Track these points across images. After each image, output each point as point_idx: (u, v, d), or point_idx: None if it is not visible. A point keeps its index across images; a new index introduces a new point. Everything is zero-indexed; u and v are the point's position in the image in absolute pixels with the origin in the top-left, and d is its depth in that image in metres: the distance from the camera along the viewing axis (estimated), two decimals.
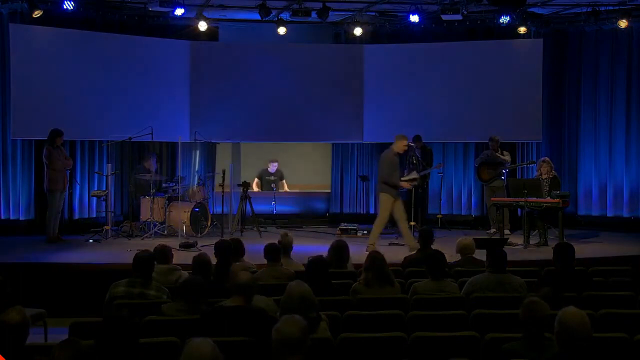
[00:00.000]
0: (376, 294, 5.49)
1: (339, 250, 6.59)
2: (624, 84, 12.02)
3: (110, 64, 11.35)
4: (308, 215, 12.84)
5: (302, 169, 14.06)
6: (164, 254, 6.22)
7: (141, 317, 4.58)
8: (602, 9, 11.42)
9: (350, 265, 6.79)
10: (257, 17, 11.38)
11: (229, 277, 5.23)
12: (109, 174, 10.89)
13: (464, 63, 12.15)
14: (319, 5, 11.20)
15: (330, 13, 11.42)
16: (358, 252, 8.03)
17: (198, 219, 10.67)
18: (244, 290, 4.54)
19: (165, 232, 10.56)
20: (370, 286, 5.53)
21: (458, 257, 6.97)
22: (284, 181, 13.32)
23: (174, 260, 6.51)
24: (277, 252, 6.50)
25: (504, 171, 11.01)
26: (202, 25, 11.64)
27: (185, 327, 4.52)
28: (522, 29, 11.79)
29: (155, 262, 5.76)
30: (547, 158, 10.78)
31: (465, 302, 5.39)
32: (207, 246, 9.13)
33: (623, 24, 11.30)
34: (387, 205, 9.45)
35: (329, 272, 5.81)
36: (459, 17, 11.14)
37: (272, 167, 13.19)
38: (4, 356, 3.63)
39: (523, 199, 9.49)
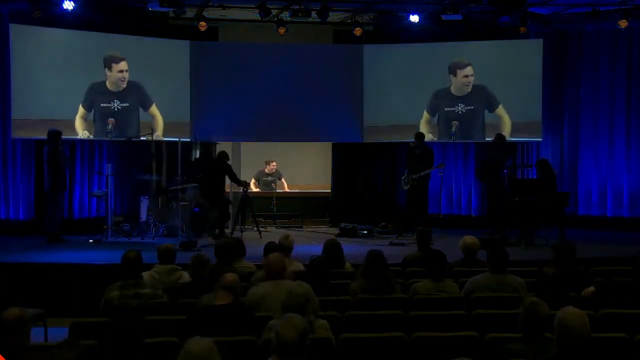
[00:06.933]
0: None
1: (333, 250, 6.55)
2: (624, 84, 12.04)
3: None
4: (308, 215, 12.82)
5: (302, 169, 14.05)
6: (167, 254, 6.23)
7: (140, 318, 4.58)
8: (602, 9, 11.41)
9: (349, 265, 6.78)
10: (257, 17, 11.39)
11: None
12: (109, 174, 10.89)
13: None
14: (319, 5, 11.20)
15: (330, 13, 11.43)
16: (358, 252, 8.01)
17: (198, 219, 10.67)
18: (233, 289, 4.62)
19: (165, 232, 10.56)
20: (369, 293, 5.49)
21: (460, 256, 6.93)
22: (282, 180, 13.32)
23: None
24: (277, 251, 6.48)
25: (504, 171, 10.97)
26: (202, 26, 11.63)
27: (184, 327, 4.52)
28: (522, 29, 11.78)
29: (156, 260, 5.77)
30: (542, 159, 10.87)
31: (465, 302, 5.38)
32: (207, 246, 9.14)
33: (623, 24, 11.29)
34: None
35: (330, 273, 5.80)
36: (459, 17, 11.13)
37: (269, 168, 13.20)
38: (5, 353, 3.63)
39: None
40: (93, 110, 11.25)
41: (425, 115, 12.30)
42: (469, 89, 12.17)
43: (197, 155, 12.09)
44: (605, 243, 10.24)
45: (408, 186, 11.05)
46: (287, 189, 13.38)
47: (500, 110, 12.02)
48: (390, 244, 10.04)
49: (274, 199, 12.58)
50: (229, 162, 11.16)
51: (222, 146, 12.60)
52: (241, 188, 11.17)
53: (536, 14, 12.03)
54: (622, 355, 4.26)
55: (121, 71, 11.39)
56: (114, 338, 3.77)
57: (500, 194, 10.66)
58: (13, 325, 3.74)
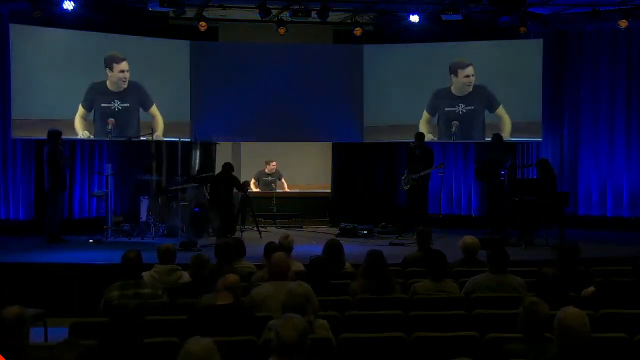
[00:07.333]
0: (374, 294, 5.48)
1: (333, 250, 6.54)
2: (624, 84, 12.04)
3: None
4: (308, 215, 12.81)
5: (302, 169, 14.05)
6: (167, 254, 6.23)
7: (140, 318, 4.58)
8: (602, 9, 11.42)
9: (349, 265, 6.78)
10: (257, 17, 11.39)
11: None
12: (109, 174, 10.89)
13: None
14: (319, 5, 11.20)
15: (330, 13, 11.43)
16: (358, 252, 8.01)
17: (198, 220, 10.67)
18: (234, 289, 4.62)
19: (165, 232, 10.56)
20: (369, 293, 5.48)
21: (460, 256, 6.91)
22: (282, 180, 13.33)
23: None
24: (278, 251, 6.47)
25: (502, 172, 10.97)
26: (202, 26, 11.63)
27: (184, 327, 4.53)
28: (522, 29, 11.78)
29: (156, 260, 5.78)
30: (543, 158, 10.85)
31: (465, 302, 5.38)
32: (207, 246, 9.14)
33: (623, 24, 11.29)
34: None
35: (330, 273, 5.80)
36: (459, 17, 11.13)
37: (270, 168, 13.21)
38: (4, 353, 3.62)
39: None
40: (93, 110, 11.26)
41: (425, 115, 12.31)
42: (470, 89, 12.18)
43: (198, 160, 12.10)
44: (605, 243, 10.24)
45: (408, 186, 11.04)
46: (287, 189, 13.38)
47: (501, 110, 12.03)
48: (390, 244, 10.03)
49: (274, 199, 12.58)
50: (234, 173, 11.17)
51: (222, 146, 12.66)
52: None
53: (536, 14, 12.03)
54: (622, 355, 4.26)
55: (122, 71, 11.39)
56: (114, 338, 3.77)
57: (500, 194, 10.65)
58: (12, 324, 3.73)
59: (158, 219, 10.70)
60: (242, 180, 11.64)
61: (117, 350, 3.72)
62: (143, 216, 10.93)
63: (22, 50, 10.64)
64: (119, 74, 11.38)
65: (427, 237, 7.32)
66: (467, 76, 12.17)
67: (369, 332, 4.56)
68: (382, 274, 5.54)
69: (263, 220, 11.81)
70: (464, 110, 12.16)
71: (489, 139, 11.54)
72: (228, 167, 11.01)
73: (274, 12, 11.67)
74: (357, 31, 12.03)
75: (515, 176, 11.53)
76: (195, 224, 10.58)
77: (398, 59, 12.43)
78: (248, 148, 13.67)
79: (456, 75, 12.20)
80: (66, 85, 11.02)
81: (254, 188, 12.95)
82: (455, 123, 12.16)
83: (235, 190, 11.17)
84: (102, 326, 4.30)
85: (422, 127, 12.12)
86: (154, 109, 11.69)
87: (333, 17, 12.05)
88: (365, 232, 11.13)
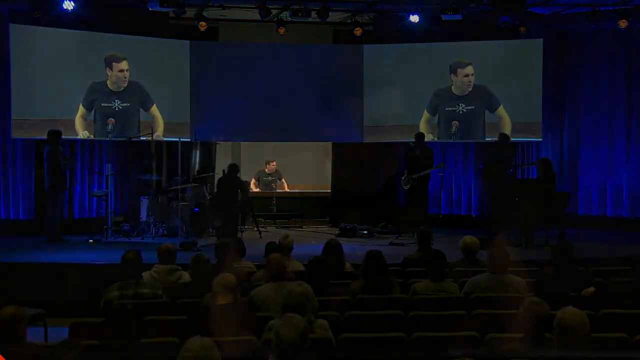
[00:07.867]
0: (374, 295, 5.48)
1: (333, 250, 6.52)
2: (624, 84, 12.02)
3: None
4: (308, 215, 12.81)
5: (302, 169, 14.05)
6: (167, 254, 6.23)
7: (140, 318, 4.59)
8: (602, 9, 11.41)
9: (349, 265, 6.78)
10: (257, 17, 11.39)
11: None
12: (109, 174, 10.90)
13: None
14: (319, 5, 11.21)
15: (330, 13, 11.43)
16: (359, 252, 8.02)
17: (198, 220, 10.67)
18: (232, 289, 4.63)
19: (165, 232, 10.56)
20: (369, 293, 5.49)
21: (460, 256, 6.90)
22: (282, 180, 13.33)
23: None
24: (277, 251, 6.48)
25: (508, 172, 10.93)
26: (202, 26, 11.63)
27: (185, 327, 4.53)
28: (522, 29, 11.78)
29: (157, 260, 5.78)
30: (544, 158, 10.83)
31: (465, 302, 5.38)
32: (207, 246, 9.14)
33: (623, 24, 11.28)
34: None
35: (329, 273, 5.80)
36: (459, 17, 11.13)
37: (270, 168, 13.21)
38: (2, 353, 3.62)
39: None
40: (93, 110, 11.25)
41: (426, 114, 12.30)
42: (470, 89, 12.17)
43: (198, 160, 12.08)
44: (605, 243, 10.24)
45: (408, 186, 11.03)
46: (287, 189, 13.38)
47: (501, 110, 12.02)
48: (390, 244, 10.04)
49: (274, 199, 12.58)
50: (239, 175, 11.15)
51: (222, 146, 12.66)
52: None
53: (536, 14, 12.02)
54: (622, 355, 4.26)
55: (122, 70, 11.39)
56: (114, 338, 3.77)
57: (508, 194, 10.59)
58: (8, 324, 3.74)
59: (158, 219, 10.70)
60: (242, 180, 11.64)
61: (117, 350, 3.72)
62: (143, 216, 10.93)
63: (22, 50, 10.63)
64: (119, 74, 11.38)
65: (427, 237, 7.32)
66: (467, 75, 12.16)
67: (369, 332, 4.56)
68: (382, 274, 5.54)
69: (263, 220, 11.81)
70: (464, 110, 12.16)
71: (490, 139, 11.53)
72: (235, 168, 10.89)
73: (274, 12, 11.67)
74: (357, 31, 12.02)
75: (515, 176, 11.52)
76: (195, 224, 10.59)
77: (398, 59, 12.42)
78: (248, 148, 13.67)
79: (456, 74, 12.20)
80: (66, 85, 11.01)
81: (254, 188, 12.95)
82: (455, 123, 12.16)
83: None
84: (102, 326, 4.30)
85: (422, 127, 12.11)
86: (154, 109, 11.69)
87: (333, 17, 12.06)
88: (365, 232, 11.14)
